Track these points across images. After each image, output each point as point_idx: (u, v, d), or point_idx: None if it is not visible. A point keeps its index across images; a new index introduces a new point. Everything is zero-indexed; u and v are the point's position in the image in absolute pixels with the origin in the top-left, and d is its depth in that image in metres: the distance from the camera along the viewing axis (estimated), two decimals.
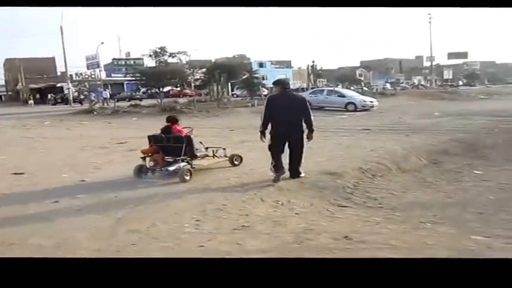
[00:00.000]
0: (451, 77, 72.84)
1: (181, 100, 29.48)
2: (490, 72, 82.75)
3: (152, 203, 5.55)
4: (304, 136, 6.56)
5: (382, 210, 5.31)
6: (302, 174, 6.53)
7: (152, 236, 4.39)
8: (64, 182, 7.02)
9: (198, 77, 35.30)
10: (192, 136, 7.32)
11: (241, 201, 5.45)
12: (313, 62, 43.13)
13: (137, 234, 4.42)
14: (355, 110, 21.76)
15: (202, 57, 48.75)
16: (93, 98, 34.76)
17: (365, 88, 44.11)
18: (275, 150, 6.48)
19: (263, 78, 40.98)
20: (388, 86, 55.28)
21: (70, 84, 41.33)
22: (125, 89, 48.53)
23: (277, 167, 6.42)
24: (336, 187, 6.25)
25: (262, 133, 6.56)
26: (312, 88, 34.23)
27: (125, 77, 44.76)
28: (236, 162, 7.64)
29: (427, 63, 70.42)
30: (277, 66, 73.77)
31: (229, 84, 36.53)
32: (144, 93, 38.15)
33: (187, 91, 37.60)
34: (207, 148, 7.65)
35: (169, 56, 33.86)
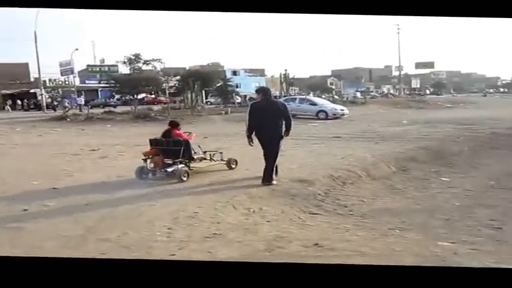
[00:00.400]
0: (418, 86, 74.77)
1: (155, 107, 29.24)
2: (455, 81, 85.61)
3: (124, 211, 5.47)
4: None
5: (352, 217, 5.40)
6: (274, 182, 6.67)
7: (122, 245, 4.33)
8: (34, 189, 6.84)
9: (173, 84, 35.09)
10: (191, 140, 7.80)
11: (214, 209, 5.44)
12: (285, 70, 43.57)
13: (107, 243, 4.35)
14: (326, 118, 22.05)
15: (177, 64, 48.79)
16: (66, 104, 34.03)
17: (336, 97, 44.78)
18: (267, 155, 6.82)
19: (237, 86, 41.03)
20: (358, 94, 56.14)
21: (43, 90, 40.36)
22: (99, 96, 47.78)
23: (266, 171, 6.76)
24: (307, 194, 6.32)
25: (249, 137, 6.95)
26: (284, 96, 34.50)
27: (99, 83, 44.12)
28: (233, 166, 7.99)
29: (395, 73, 72.09)
30: (250, 74, 74.08)
31: (204, 91, 36.45)
32: (118, 100, 37.65)
33: (162, 98, 37.28)
34: (205, 152, 8.09)
35: (143, 63, 33.59)
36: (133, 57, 33.22)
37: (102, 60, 53.48)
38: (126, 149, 11.96)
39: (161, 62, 34.39)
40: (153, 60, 33.91)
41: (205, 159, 7.98)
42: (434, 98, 47.76)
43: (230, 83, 36.49)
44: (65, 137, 16.53)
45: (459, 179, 7.86)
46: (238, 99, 38.58)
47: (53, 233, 4.67)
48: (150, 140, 7.78)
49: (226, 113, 27.67)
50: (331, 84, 60.77)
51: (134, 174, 7.32)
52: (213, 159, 8.03)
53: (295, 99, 26.13)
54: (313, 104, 24.30)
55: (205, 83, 32.22)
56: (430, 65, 77.09)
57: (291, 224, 5.02)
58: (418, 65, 76.25)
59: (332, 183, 7.04)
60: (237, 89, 45.25)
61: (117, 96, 36.44)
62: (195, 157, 7.64)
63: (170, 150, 7.40)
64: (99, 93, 48.25)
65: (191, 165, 7.52)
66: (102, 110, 29.47)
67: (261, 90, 7.43)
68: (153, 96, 39.45)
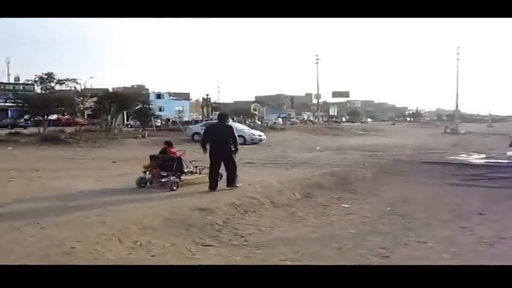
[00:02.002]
0: (336, 113, 78.71)
1: (69, 129, 27.59)
2: (369, 110, 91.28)
3: None
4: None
5: (245, 249, 5.18)
6: (239, 185, 8.44)
7: None
8: None
9: (89, 105, 33.32)
10: (184, 157, 9.15)
11: (95, 243, 4.93)
12: (207, 95, 43.58)
13: None
14: (244, 143, 22.11)
15: (103, 85, 47.23)
16: None
17: (258, 122, 45.56)
18: (212, 167, 8.44)
19: (160, 110, 40.04)
20: (280, 120, 57.67)
21: None
22: (9, 116, 44.39)
23: (212, 180, 8.40)
24: (204, 224, 6.02)
25: (204, 148, 8.58)
26: (205, 121, 34.34)
27: (5, 102, 41.02)
28: (218, 179, 8.85)
29: (315, 100, 75.26)
30: (175, 98, 73.38)
31: (124, 114, 35.15)
32: (27, 120, 35.09)
33: (79, 120, 35.32)
34: (196, 167, 9.36)
35: (57, 83, 31.60)
36: (46, 77, 31.29)
37: (17, 78, 50.41)
38: (21, 174, 10.94)
39: (77, 83, 32.60)
40: (68, 80, 32.13)
41: (194, 173, 9.21)
42: (349, 125, 50.27)
43: (150, 106, 35.48)
44: None
45: (359, 205, 8.02)
46: (158, 123, 37.72)
47: None
48: (150, 156, 9.22)
49: (143, 136, 26.94)
50: (255, 110, 61.74)
51: (134, 183, 8.59)
52: (201, 173, 9.18)
53: None
54: None
55: (124, 105, 30.99)
56: (346, 94, 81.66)
57: (178, 258, 4.67)
58: (335, 94, 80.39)
59: (233, 211, 6.82)
60: (160, 112, 44.15)
61: (25, 117, 33.95)
62: (185, 171, 8.94)
63: (166, 164, 8.80)
64: (9, 112, 45.03)
65: (182, 177, 8.80)
66: (8, 131, 27.29)
67: (223, 116, 9.16)
68: (66, 117, 37.34)
